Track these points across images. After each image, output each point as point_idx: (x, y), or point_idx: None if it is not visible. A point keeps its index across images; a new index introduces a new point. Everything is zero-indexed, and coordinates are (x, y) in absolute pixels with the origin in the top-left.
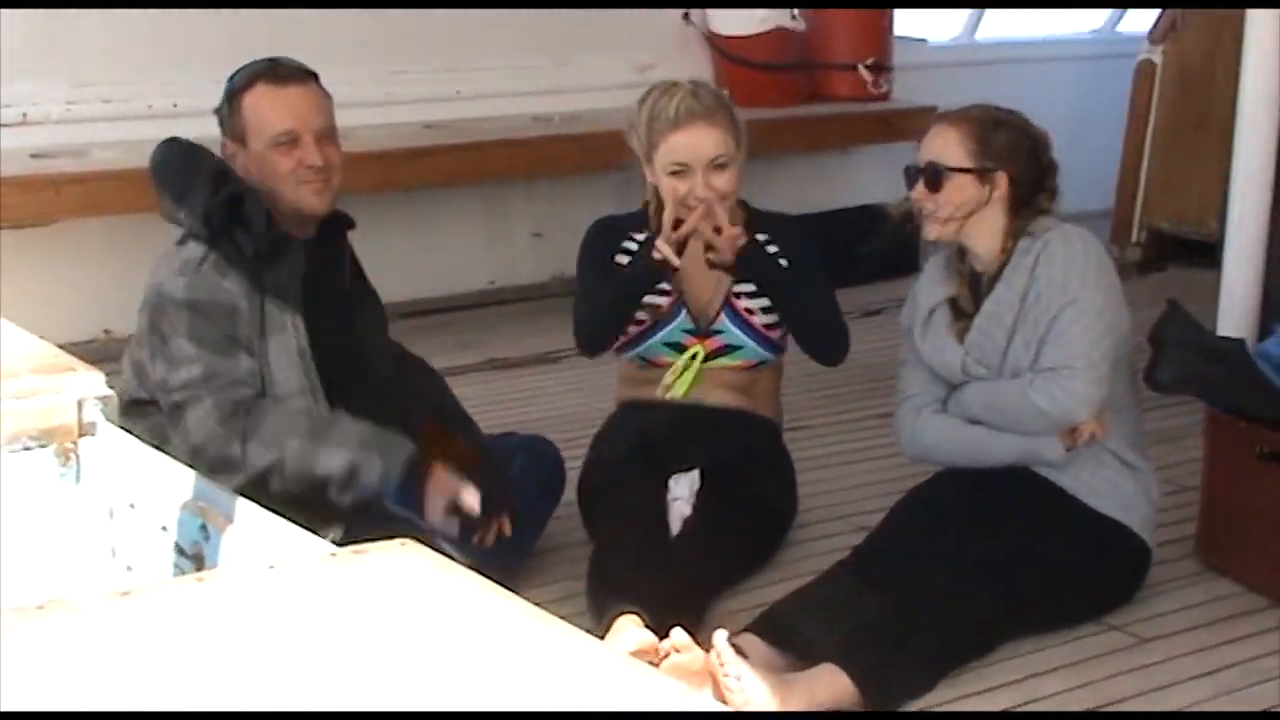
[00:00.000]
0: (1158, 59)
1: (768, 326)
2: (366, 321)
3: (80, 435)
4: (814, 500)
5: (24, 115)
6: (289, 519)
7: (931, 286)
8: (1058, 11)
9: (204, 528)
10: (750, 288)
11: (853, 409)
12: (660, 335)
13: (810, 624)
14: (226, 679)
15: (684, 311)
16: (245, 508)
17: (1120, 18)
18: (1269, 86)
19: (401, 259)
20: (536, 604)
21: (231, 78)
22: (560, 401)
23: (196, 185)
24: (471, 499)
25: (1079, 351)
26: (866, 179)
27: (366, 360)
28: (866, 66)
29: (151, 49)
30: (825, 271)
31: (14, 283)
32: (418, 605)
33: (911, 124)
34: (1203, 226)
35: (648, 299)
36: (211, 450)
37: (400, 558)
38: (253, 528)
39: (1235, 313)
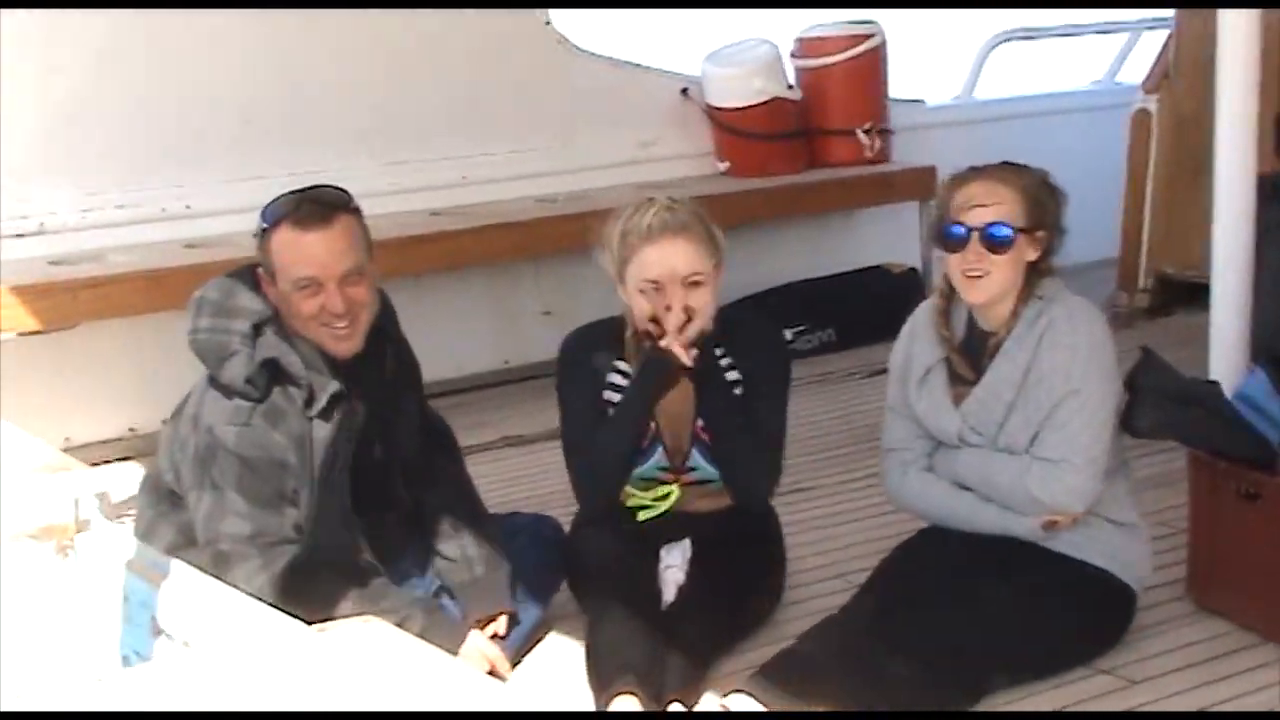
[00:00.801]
0: (1153, 108)
1: None
2: (401, 413)
3: (77, 532)
4: (813, 559)
5: (41, 224)
6: None
7: (928, 344)
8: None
9: (187, 613)
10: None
11: (855, 468)
12: (637, 471)
13: (801, 680)
14: None
15: (660, 450)
16: (228, 595)
17: (1119, 67)
18: (1243, 131)
19: (414, 343)
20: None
21: (265, 209)
22: None
23: (234, 349)
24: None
25: (1079, 447)
26: (870, 240)
27: (397, 465)
28: (864, 130)
29: (161, 153)
30: (781, 388)
31: (40, 386)
32: (382, 679)
33: (912, 184)
34: (1208, 270)
35: None
36: (258, 597)
37: (363, 633)
38: (233, 612)
39: (1225, 355)
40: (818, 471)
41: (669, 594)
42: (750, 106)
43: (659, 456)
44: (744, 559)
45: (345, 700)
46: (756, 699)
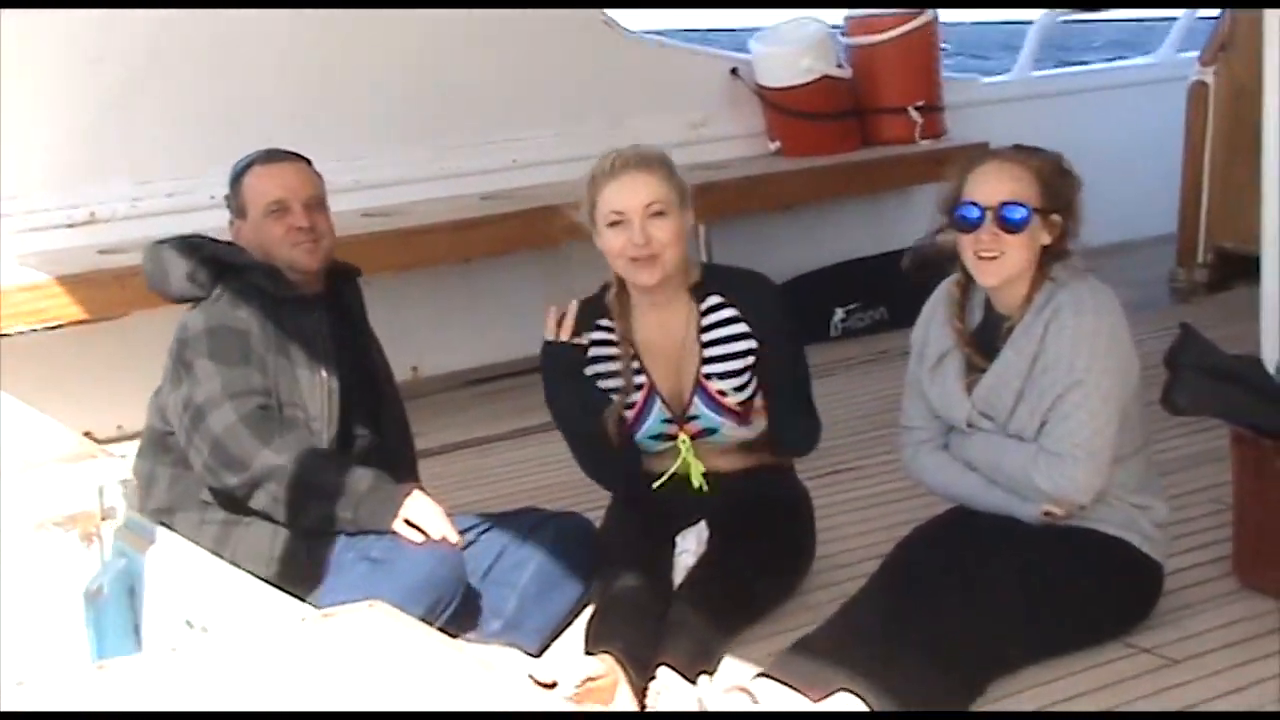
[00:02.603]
0: (1209, 80)
1: (741, 404)
2: (376, 363)
3: (103, 519)
4: (855, 540)
5: (91, 214)
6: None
7: (945, 327)
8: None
9: (209, 601)
10: (721, 368)
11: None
12: (644, 430)
13: (823, 661)
14: None
15: (658, 402)
16: (247, 582)
17: (1177, 41)
18: None
19: (465, 329)
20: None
21: (234, 169)
22: None
23: (168, 259)
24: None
25: (1082, 440)
26: (923, 218)
27: (384, 401)
28: (916, 108)
29: (211, 141)
30: (797, 337)
31: (91, 376)
32: (385, 664)
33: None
34: None
35: (621, 396)
36: (229, 446)
37: (367, 619)
38: (237, 593)
39: (1276, 328)
40: (864, 451)
41: (679, 578)
42: (800, 86)
43: (659, 410)
44: (766, 538)
45: (346, 686)
46: (783, 682)
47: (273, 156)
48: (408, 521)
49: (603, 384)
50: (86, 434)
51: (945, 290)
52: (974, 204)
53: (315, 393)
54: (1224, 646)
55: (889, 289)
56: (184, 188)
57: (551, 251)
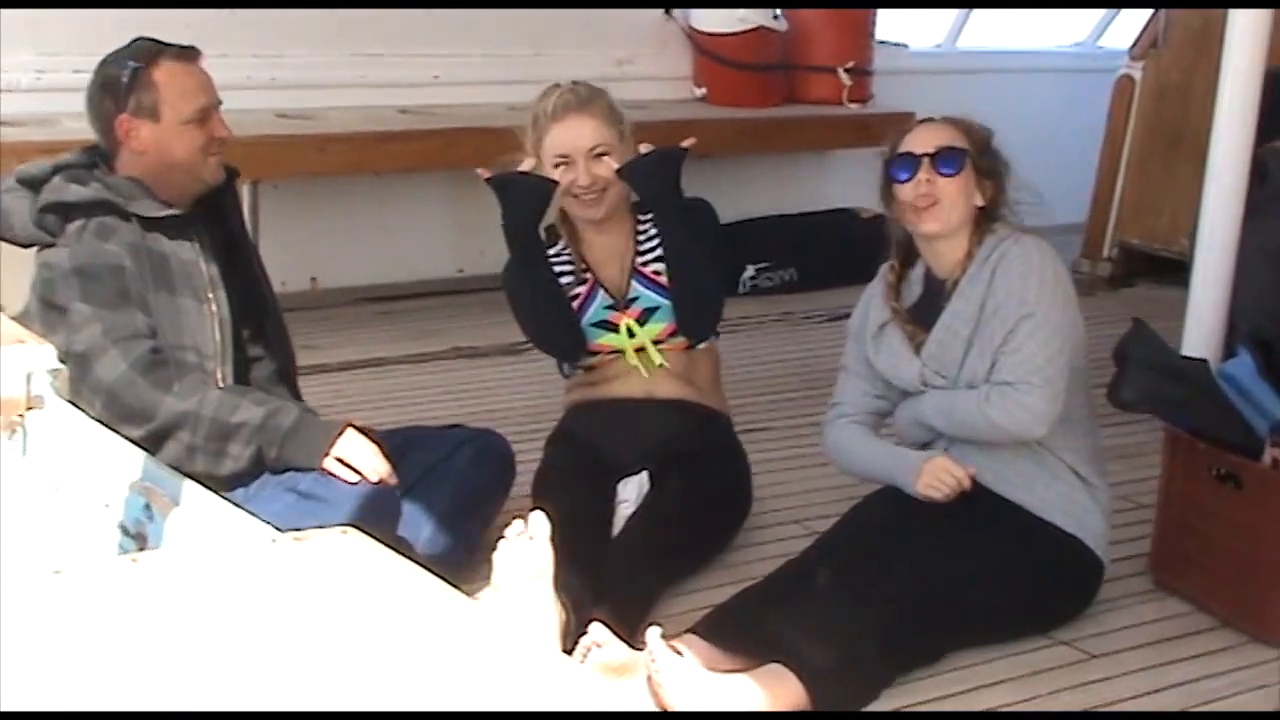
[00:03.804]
0: (1137, 75)
1: None
2: (259, 278)
3: (28, 409)
4: (768, 504)
5: None
6: None
7: (883, 300)
8: (1046, 15)
9: (148, 508)
10: (653, 254)
11: (812, 413)
12: (586, 318)
13: (757, 626)
14: (155, 661)
15: (600, 291)
16: (191, 490)
17: (1103, 31)
18: (1245, 107)
19: (371, 244)
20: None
21: (125, 56)
22: (524, 393)
23: (6, 203)
24: (387, 474)
25: (1035, 367)
26: (842, 183)
27: (268, 314)
28: (846, 70)
29: (121, 20)
30: (709, 209)
31: None
32: (358, 592)
33: (890, 129)
34: (1174, 244)
35: (569, 289)
36: (127, 396)
37: (341, 544)
38: (197, 511)
39: (1201, 333)
40: (774, 413)
41: (618, 528)
42: (733, 34)
43: (601, 297)
44: (702, 492)
45: (315, 612)
46: (708, 640)
47: (185, 53)
48: (340, 460)
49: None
50: None
51: (881, 275)
52: (909, 154)
53: (205, 326)
54: (1141, 645)
55: (801, 251)
56: (90, 64)
57: (465, 174)
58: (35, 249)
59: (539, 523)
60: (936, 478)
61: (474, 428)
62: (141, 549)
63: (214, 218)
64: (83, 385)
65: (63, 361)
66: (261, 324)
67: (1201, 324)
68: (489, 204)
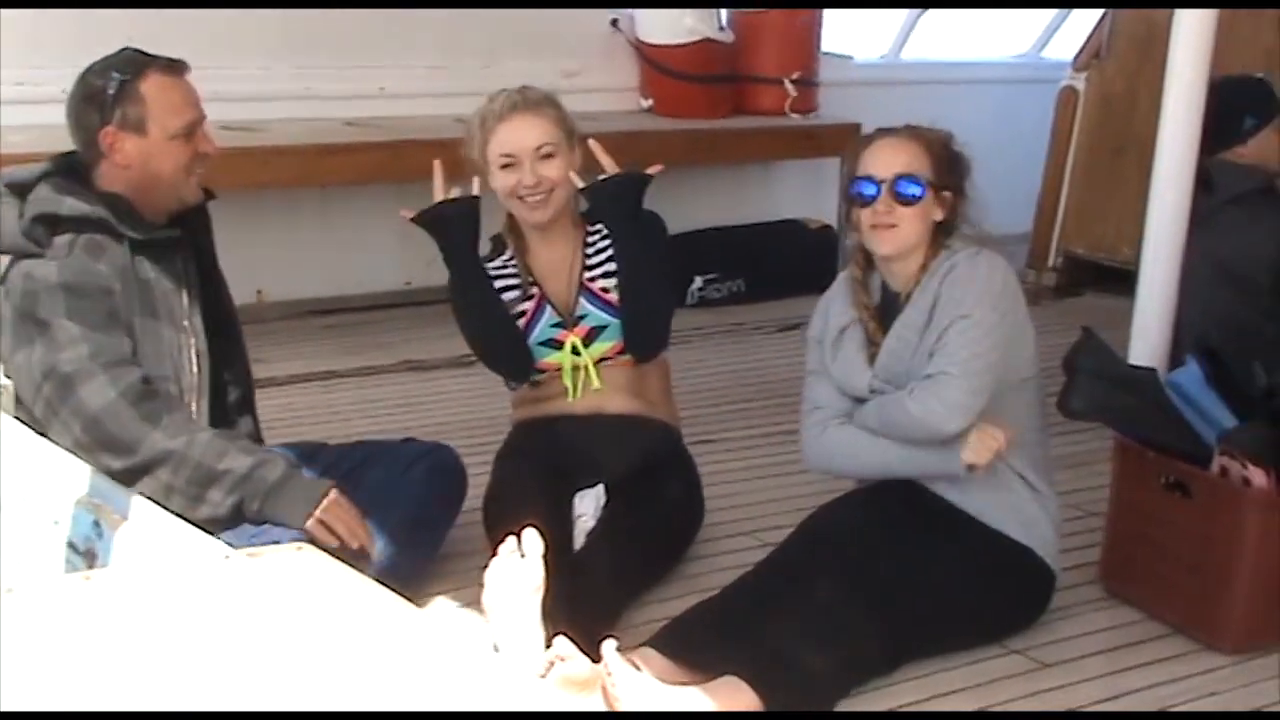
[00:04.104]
0: (1080, 86)
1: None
2: (229, 307)
3: None
4: (720, 515)
5: None
6: None
7: (843, 304)
8: (991, 25)
9: (97, 524)
10: (601, 270)
11: (762, 423)
12: (534, 336)
13: (711, 639)
14: (111, 679)
15: (548, 308)
16: (141, 506)
17: (1045, 42)
18: (1189, 117)
19: (317, 257)
20: (438, 610)
21: (111, 67)
22: (473, 405)
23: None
24: (368, 542)
25: (957, 360)
26: (788, 193)
27: (234, 341)
28: (792, 81)
29: (66, 33)
30: (659, 228)
31: None
32: (312, 607)
33: (835, 140)
34: (1119, 254)
35: (515, 305)
36: (112, 426)
37: (295, 561)
38: (147, 527)
39: (1148, 342)
40: (725, 424)
41: (579, 542)
42: (679, 45)
43: (549, 314)
44: (658, 505)
45: (271, 627)
46: (663, 654)
47: (173, 66)
48: (321, 522)
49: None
50: None
51: (843, 279)
52: (869, 178)
53: (183, 357)
54: (1094, 653)
55: (749, 262)
56: (34, 78)
57: (411, 186)
58: (10, 257)
59: (532, 541)
60: (985, 445)
61: (426, 442)
62: (90, 566)
63: (190, 241)
64: (62, 407)
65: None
66: (230, 352)
67: (1147, 334)
68: None
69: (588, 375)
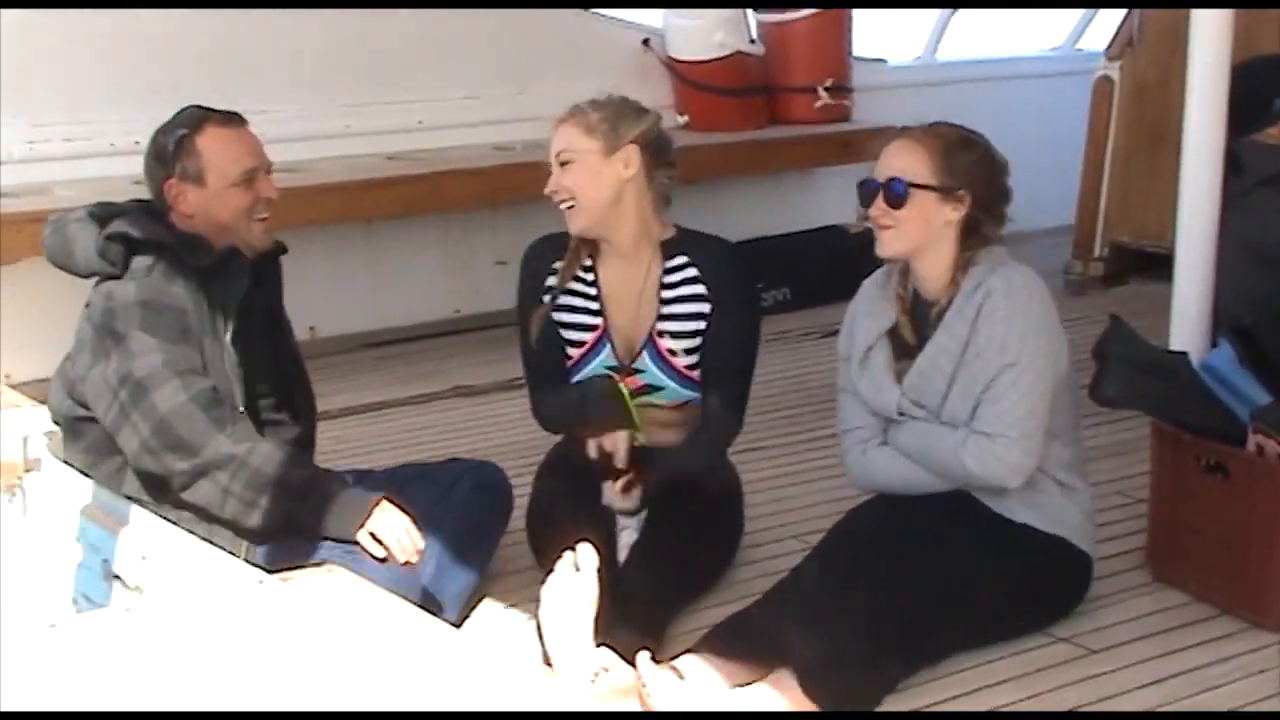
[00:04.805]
0: (1115, 75)
1: (689, 368)
2: (291, 344)
3: (26, 470)
4: (766, 520)
5: None
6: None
7: (868, 319)
8: (1025, 18)
9: (144, 558)
10: (675, 326)
11: (809, 428)
12: (585, 371)
13: (755, 641)
14: (152, 708)
15: (609, 347)
16: (181, 539)
17: (1080, 34)
18: (1215, 101)
19: (365, 290)
20: (486, 626)
21: (175, 125)
22: (524, 428)
23: (73, 233)
24: (415, 554)
25: (1014, 421)
26: (827, 200)
27: (298, 383)
28: (825, 89)
29: (112, 87)
30: (752, 306)
31: None
32: (346, 628)
33: (871, 145)
34: (1163, 240)
35: (574, 336)
36: (180, 427)
37: (327, 583)
38: (188, 557)
39: (1187, 325)
40: (772, 430)
41: (623, 554)
42: (711, 60)
43: (606, 354)
44: (699, 515)
45: (302, 651)
46: (707, 661)
47: (229, 119)
48: (372, 535)
49: (563, 316)
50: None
51: (871, 284)
52: (870, 180)
53: (232, 383)
54: (1141, 638)
55: (792, 270)
56: (82, 133)
57: (454, 216)
58: (94, 280)
59: (587, 556)
60: None
61: (471, 460)
62: (135, 595)
63: (258, 285)
64: (134, 410)
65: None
66: (289, 394)
67: (1186, 317)
68: (480, 244)
69: (637, 412)
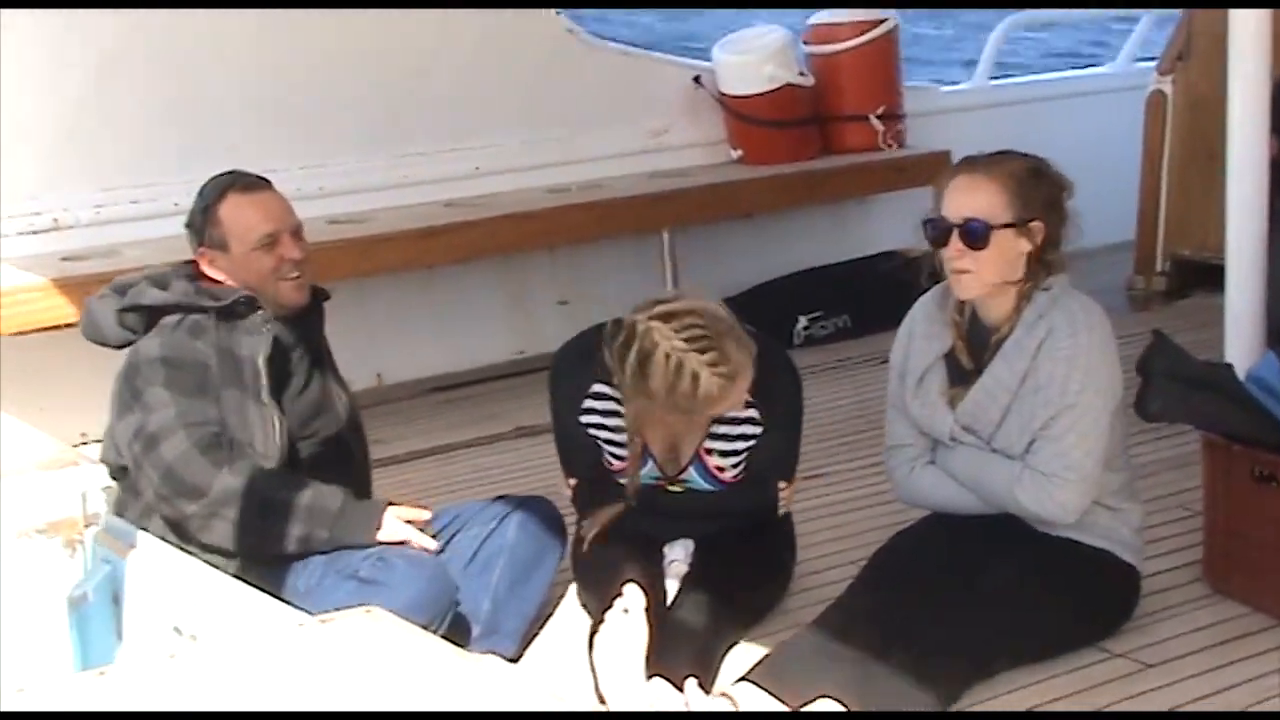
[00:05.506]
0: (1168, 89)
1: (735, 477)
2: (341, 391)
3: (85, 526)
4: (824, 547)
5: (55, 221)
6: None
7: (925, 341)
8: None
9: (189, 604)
10: (723, 446)
11: (868, 455)
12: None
13: (806, 668)
14: None
15: (650, 463)
16: (230, 586)
17: (1133, 51)
18: (1257, 112)
19: (429, 336)
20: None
21: (202, 194)
22: None
23: (94, 307)
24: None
25: (1072, 462)
26: (884, 226)
27: (349, 428)
28: (877, 116)
29: (175, 148)
30: (800, 411)
31: (55, 382)
32: (385, 670)
33: (926, 170)
34: (1223, 253)
35: (615, 451)
36: (183, 474)
37: (365, 624)
38: (234, 602)
39: (1241, 338)
40: (832, 457)
41: (672, 588)
42: (762, 94)
43: (650, 467)
44: (750, 548)
45: (347, 692)
46: (763, 688)
47: (249, 185)
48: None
49: (600, 434)
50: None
51: (927, 302)
52: (941, 219)
53: (269, 432)
54: (1197, 651)
55: (852, 297)
56: (148, 195)
57: (513, 259)
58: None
59: (634, 598)
60: None
61: (519, 495)
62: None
63: (296, 334)
64: (145, 461)
65: (116, 471)
66: (338, 439)
67: (1240, 329)
68: (539, 284)
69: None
